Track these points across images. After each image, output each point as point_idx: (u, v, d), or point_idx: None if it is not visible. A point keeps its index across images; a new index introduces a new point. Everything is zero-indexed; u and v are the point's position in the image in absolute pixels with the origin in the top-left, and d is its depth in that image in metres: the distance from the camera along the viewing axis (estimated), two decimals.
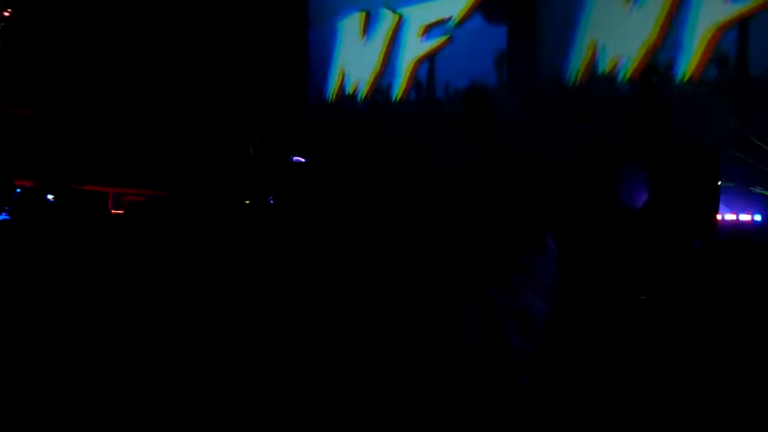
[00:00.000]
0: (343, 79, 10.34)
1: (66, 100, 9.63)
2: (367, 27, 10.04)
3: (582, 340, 2.18)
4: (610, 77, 7.61)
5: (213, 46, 10.16)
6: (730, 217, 5.89)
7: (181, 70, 10.11)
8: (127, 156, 9.28)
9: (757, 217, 5.91)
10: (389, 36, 9.79)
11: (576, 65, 7.87)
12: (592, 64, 7.76)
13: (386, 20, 9.82)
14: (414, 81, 9.52)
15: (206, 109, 9.97)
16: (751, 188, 5.86)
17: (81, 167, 8.16)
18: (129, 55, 10.02)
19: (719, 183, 5.17)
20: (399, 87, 9.67)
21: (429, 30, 9.34)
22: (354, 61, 10.20)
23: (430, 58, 9.36)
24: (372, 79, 9.94)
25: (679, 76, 7.12)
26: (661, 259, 2.26)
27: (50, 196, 5.87)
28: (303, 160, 9.05)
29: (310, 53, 10.78)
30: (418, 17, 9.45)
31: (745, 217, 5.94)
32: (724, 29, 6.88)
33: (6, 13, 9.06)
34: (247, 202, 7.76)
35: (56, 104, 9.55)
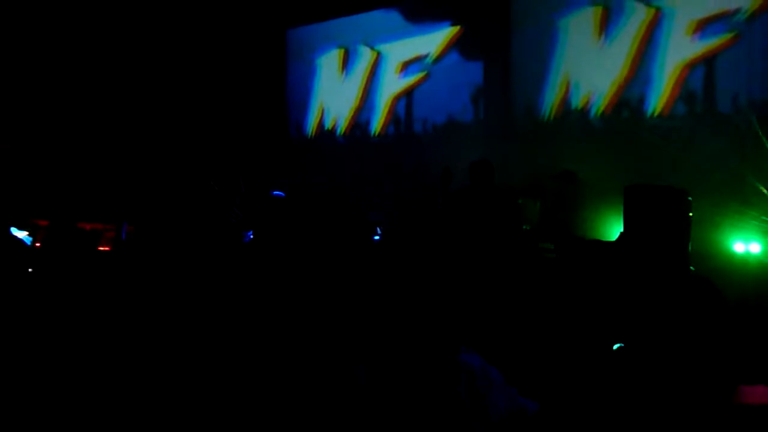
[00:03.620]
0: (322, 115, 10.46)
1: (48, 136, 9.65)
2: (346, 63, 10.20)
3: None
4: (583, 112, 7.80)
5: (192, 82, 10.24)
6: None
7: (159, 104, 10.16)
8: (101, 191, 9.26)
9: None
10: (368, 72, 9.94)
11: (550, 101, 8.06)
12: (565, 100, 7.95)
13: (364, 57, 9.98)
14: (392, 116, 9.66)
15: (185, 144, 10.00)
16: None
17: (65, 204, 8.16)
18: (107, 88, 10.06)
19: (689, 216, 5.29)
20: (378, 122, 9.79)
21: (407, 66, 9.51)
22: (333, 97, 10.33)
23: (407, 93, 9.51)
24: (351, 115, 10.07)
25: (649, 112, 7.32)
26: (634, 296, 2.33)
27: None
28: (282, 194, 9.09)
29: (290, 89, 10.90)
30: (395, 54, 9.63)
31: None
32: (691, 66, 7.10)
33: None
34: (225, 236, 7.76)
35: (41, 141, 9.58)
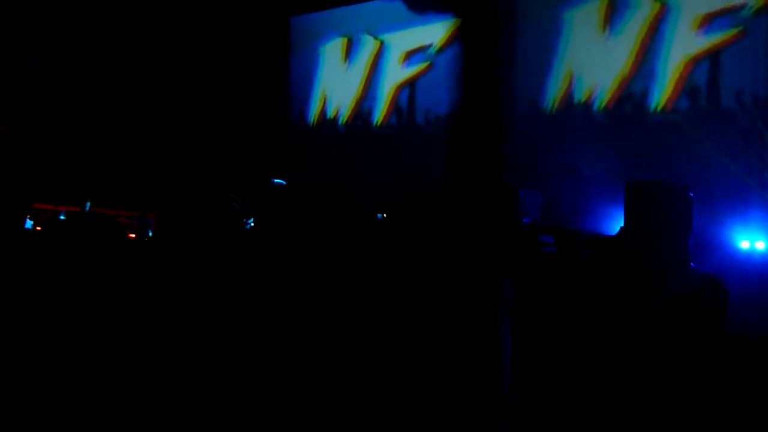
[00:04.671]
0: (324, 104, 10.43)
1: (51, 122, 9.66)
2: (349, 52, 10.16)
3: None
4: (586, 106, 7.77)
5: (195, 70, 10.20)
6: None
7: (163, 92, 10.13)
8: (105, 177, 9.26)
9: None
10: (371, 61, 9.91)
11: (553, 94, 8.03)
12: (568, 93, 7.92)
13: (368, 46, 9.94)
14: (395, 106, 9.63)
15: (188, 132, 9.98)
16: None
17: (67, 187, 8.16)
18: (111, 77, 10.04)
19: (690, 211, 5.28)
20: (380, 112, 9.77)
21: (410, 56, 9.47)
22: (336, 85, 10.30)
23: (410, 84, 9.48)
24: (353, 104, 10.04)
25: (652, 106, 7.29)
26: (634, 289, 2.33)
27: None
28: (284, 182, 9.07)
29: (292, 78, 10.86)
30: (399, 43, 9.58)
31: None
32: (696, 61, 7.07)
33: None
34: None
35: (42, 126, 9.58)
